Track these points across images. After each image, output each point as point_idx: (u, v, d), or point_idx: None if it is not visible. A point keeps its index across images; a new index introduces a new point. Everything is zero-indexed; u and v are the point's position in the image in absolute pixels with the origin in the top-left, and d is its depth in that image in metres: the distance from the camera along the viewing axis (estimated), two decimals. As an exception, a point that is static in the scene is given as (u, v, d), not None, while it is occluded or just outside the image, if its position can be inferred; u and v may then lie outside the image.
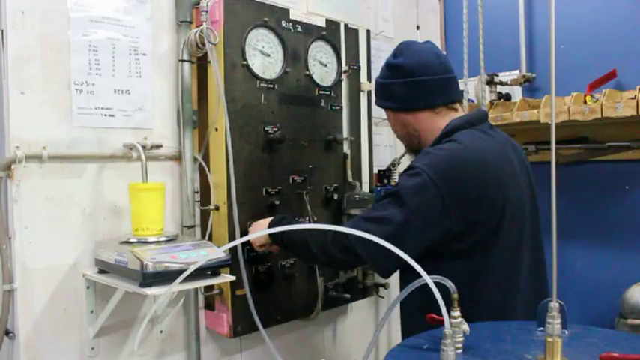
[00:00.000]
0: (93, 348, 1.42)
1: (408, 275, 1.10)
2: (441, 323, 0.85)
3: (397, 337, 1.33)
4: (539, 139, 2.21)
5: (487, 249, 1.28)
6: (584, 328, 1.02)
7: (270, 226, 1.48)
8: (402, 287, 1.29)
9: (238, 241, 0.99)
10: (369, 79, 2.01)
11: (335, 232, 1.32)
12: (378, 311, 2.26)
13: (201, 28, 1.49)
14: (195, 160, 1.60)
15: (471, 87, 2.37)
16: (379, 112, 2.22)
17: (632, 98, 1.83)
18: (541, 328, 0.95)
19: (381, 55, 2.30)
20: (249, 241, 1.54)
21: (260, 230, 1.50)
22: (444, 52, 1.51)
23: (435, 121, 1.37)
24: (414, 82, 1.36)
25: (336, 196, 1.84)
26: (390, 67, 1.41)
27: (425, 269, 1.22)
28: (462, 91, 1.47)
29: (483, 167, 1.26)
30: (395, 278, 1.45)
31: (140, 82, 1.52)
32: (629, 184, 2.12)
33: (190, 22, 1.59)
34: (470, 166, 1.25)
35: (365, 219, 1.32)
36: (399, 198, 1.26)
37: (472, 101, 2.41)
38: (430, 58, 1.38)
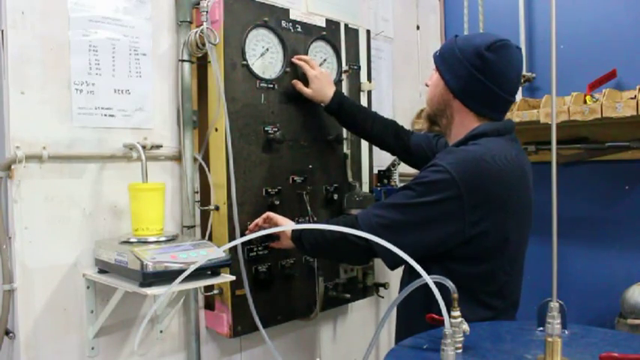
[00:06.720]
0: (93, 348, 1.42)
1: (412, 275, 1.10)
2: (441, 323, 0.85)
3: (397, 338, 1.33)
4: (539, 139, 2.20)
5: (494, 258, 1.27)
6: (584, 328, 1.02)
7: (294, 237, 1.46)
8: (404, 286, 1.29)
9: (238, 241, 0.99)
10: (369, 79, 2.01)
11: (350, 221, 1.33)
12: (378, 311, 2.26)
13: (201, 28, 1.49)
14: (195, 160, 1.60)
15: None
16: (379, 112, 2.22)
17: (632, 98, 1.83)
18: (541, 328, 0.95)
19: (381, 55, 2.30)
20: (249, 240, 1.54)
21: (263, 230, 1.49)
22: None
23: (470, 121, 1.35)
24: (485, 85, 1.30)
25: (336, 196, 1.84)
26: (477, 53, 1.30)
27: (432, 272, 1.21)
28: (510, 120, 1.41)
29: (503, 176, 1.25)
30: (395, 278, 1.45)
31: (140, 82, 1.52)
32: (629, 184, 2.12)
33: (190, 22, 1.59)
34: (491, 172, 1.23)
35: (377, 205, 1.33)
36: (417, 190, 1.25)
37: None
38: (513, 77, 1.33)
